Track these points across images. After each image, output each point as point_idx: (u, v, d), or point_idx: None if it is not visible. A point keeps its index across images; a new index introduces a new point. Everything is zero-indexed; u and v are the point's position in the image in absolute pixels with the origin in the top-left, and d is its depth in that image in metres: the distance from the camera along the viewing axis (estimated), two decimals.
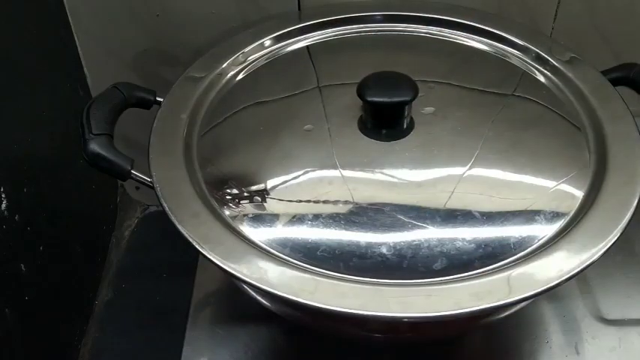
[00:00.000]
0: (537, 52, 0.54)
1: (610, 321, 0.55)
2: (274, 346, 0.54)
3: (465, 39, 0.56)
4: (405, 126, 0.47)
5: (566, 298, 0.56)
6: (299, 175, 0.45)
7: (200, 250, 0.40)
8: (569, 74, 0.51)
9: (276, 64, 0.55)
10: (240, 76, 0.54)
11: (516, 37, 0.55)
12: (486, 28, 0.56)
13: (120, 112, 0.48)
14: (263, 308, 0.47)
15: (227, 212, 0.43)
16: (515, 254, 0.40)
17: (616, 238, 0.40)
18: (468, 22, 0.56)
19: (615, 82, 0.50)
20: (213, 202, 0.44)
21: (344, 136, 0.47)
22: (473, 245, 0.41)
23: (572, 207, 0.43)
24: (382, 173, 0.45)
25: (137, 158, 0.45)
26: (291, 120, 0.49)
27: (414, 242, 0.41)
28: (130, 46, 0.63)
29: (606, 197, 0.42)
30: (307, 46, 0.56)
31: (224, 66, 0.53)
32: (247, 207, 0.43)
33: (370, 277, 0.39)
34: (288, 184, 0.45)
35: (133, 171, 0.44)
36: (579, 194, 0.43)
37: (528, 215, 0.42)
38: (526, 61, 0.54)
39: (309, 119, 0.48)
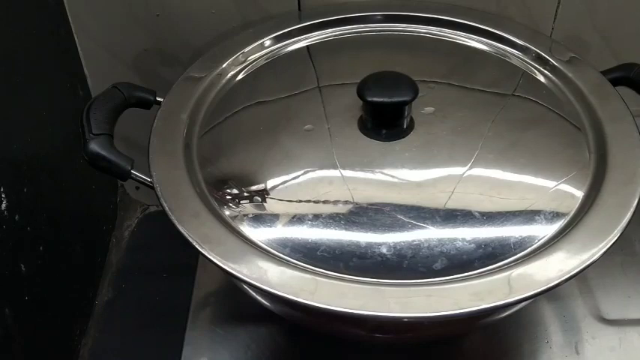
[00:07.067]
0: (537, 52, 0.54)
1: (610, 321, 0.55)
2: (274, 346, 0.54)
3: (465, 39, 0.56)
4: (405, 126, 0.47)
5: (566, 298, 0.56)
6: (299, 175, 0.45)
7: (200, 250, 0.40)
8: (569, 74, 0.51)
9: (276, 64, 0.55)
10: (240, 76, 0.54)
11: (516, 37, 0.55)
12: (486, 28, 0.56)
13: (120, 112, 0.48)
14: (263, 308, 0.47)
15: (227, 212, 0.43)
16: (515, 254, 0.40)
17: (616, 238, 0.40)
18: (468, 22, 0.56)
19: (615, 82, 0.50)
20: (213, 202, 0.44)
21: (344, 136, 0.47)
22: (473, 245, 0.41)
23: (572, 207, 0.43)
24: (382, 173, 0.45)
25: (137, 158, 0.45)
26: (291, 120, 0.49)
27: (414, 242, 0.41)
28: (130, 46, 0.63)
29: (606, 197, 0.42)
30: (307, 46, 0.56)
31: (224, 66, 0.53)
32: (247, 207, 0.43)
33: (370, 277, 0.39)
34: (288, 184, 0.45)
35: (133, 171, 0.44)
36: (579, 194, 0.43)
37: (528, 215, 0.42)
38: (526, 61, 0.54)
39: (309, 119, 0.48)
